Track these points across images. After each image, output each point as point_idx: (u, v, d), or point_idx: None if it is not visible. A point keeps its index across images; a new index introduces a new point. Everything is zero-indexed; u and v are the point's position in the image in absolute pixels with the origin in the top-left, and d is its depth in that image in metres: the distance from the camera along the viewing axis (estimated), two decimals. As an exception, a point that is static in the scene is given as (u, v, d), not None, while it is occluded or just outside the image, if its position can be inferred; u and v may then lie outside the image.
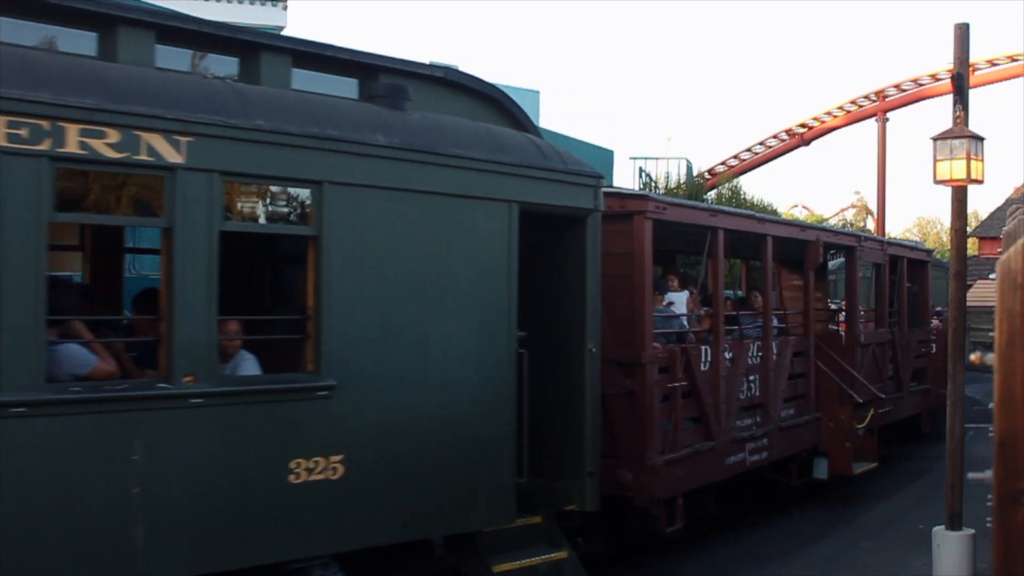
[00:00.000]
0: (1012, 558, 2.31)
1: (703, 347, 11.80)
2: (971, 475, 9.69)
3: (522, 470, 8.66)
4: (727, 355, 12.21)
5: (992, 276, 13.01)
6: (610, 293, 10.05)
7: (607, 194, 10.10)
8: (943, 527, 9.93)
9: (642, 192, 10.54)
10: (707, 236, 12.15)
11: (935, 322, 21.62)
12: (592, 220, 9.31)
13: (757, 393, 13.01)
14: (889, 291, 18.00)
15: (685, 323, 12.28)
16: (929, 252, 28.73)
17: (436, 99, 8.63)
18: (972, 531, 9.76)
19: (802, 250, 15.01)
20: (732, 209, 12.40)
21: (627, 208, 10.72)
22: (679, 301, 12.52)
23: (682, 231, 12.49)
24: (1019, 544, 2.29)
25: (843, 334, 16.38)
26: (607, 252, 9.88)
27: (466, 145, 8.21)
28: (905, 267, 18.79)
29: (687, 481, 11.20)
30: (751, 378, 12.88)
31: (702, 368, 11.61)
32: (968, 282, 13.80)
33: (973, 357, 24.35)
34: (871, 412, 15.45)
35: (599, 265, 9.43)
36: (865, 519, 14.11)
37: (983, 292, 27.87)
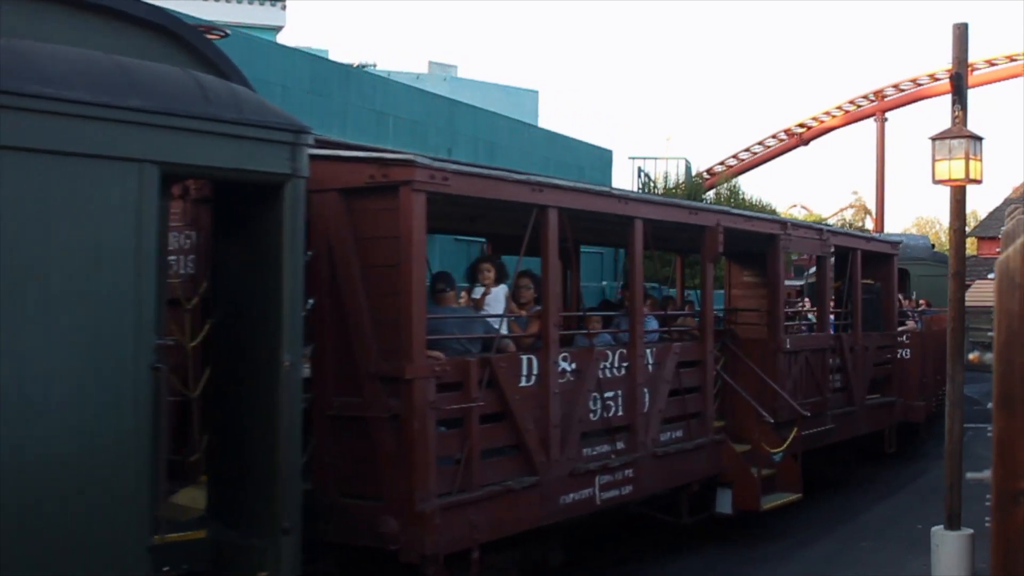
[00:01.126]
0: (1011, 558, 2.30)
1: (525, 357, 9.26)
2: (970, 475, 9.68)
3: (159, 526, 6.09)
4: (566, 366, 9.63)
5: (991, 276, 12.82)
6: (375, 289, 8.23)
7: (364, 159, 8.34)
8: (942, 527, 9.92)
9: (410, 157, 8.22)
10: (543, 218, 9.46)
11: (910, 324, 19.71)
12: (291, 190, 6.68)
13: (619, 413, 10.38)
14: (851, 290, 16.00)
15: (502, 326, 9.50)
16: (904, 244, 28.42)
17: (77, 30, 6.25)
18: (971, 531, 9.76)
19: (759, 243, 13.51)
20: (570, 183, 9.69)
21: (390, 178, 8.19)
22: (495, 298, 9.84)
23: (590, 217, 10.60)
24: (1018, 544, 2.28)
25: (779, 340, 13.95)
26: (370, 236, 8.25)
27: (68, 83, 5.68)
28: (860, 260, 16.32)
29: (488, 529, 8.72)
30: (609, 394, 10.26)
31: (522, 383, 9.13)
32: (967, 282, 13.80)
33: (972, 356, 24.34)
34: (793, 433, 13.07)
35: (301, 251, 6.83)
36: (864, 519, 14.11)
37: (982, 292, 27.92)
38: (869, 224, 54.33)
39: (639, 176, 31.34)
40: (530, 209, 9.32)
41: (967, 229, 13.02)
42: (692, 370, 11.74)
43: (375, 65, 37.77)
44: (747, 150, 41.53)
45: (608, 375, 10.27)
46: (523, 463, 9.16)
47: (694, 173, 33.57)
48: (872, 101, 40.09)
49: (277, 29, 36.62)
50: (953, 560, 9.73)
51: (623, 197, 11.03)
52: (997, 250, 20.20)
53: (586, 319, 11.44)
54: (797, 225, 15.13)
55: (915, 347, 18.70)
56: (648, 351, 10.99)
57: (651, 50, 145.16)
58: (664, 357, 11.20)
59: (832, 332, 15.45)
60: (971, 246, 44.40)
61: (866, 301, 16.71)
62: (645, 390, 10.80)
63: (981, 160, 10.13)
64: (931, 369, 19.44)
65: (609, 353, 10.39)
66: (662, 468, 11.01)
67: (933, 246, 30.29)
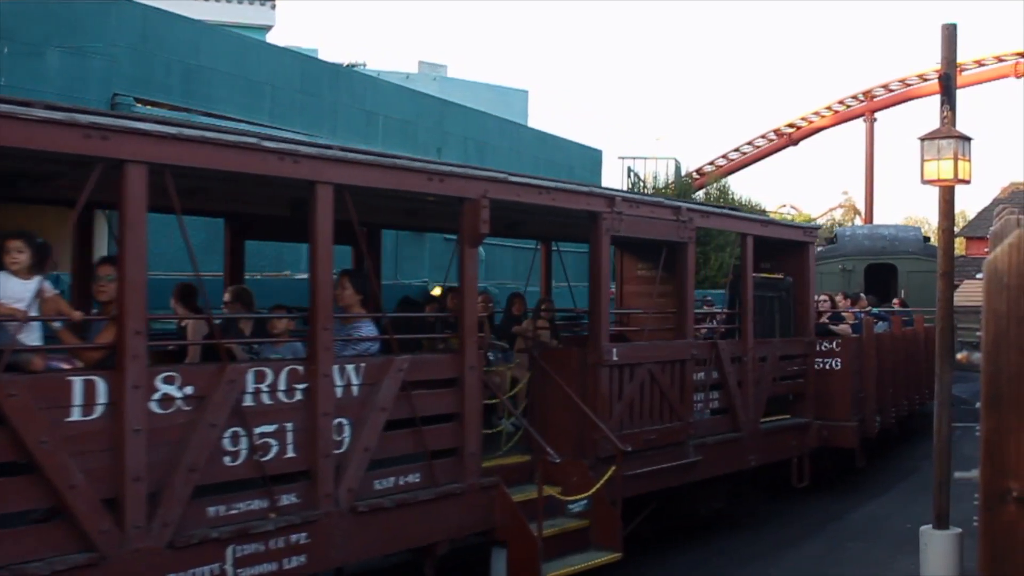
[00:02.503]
0: (998, 558, 2.31)
1: (80, 379, 6.34)
2: (958, 474, 9.72)
3: None
4: (172, 390, 6.77)
5: (979, 276, 12.82)
6: None
7: None
8: (930, 526, 9.95)
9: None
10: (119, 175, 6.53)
11: (843, 328, 16.74)
12: None
13: (287, 455, 7.53)
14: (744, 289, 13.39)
15: (29, 333, 6.55)
16: (891, 236, 26.46)
17: None
18: (959, 530, 9.78)
19: (577, 223, 11.10)
20: (172, 128, 6.69)
21: None
22: (22, 291, 6.65)
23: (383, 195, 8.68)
24: (1005, 544, 2.29)
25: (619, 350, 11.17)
26: None
27: None
28: (751, 248, 13.41)
29: None
30: (265, 429, 7.36)
31: (70, 418, 6.25)
32: (956, 282, 13.84)
33: (960, 356, 24.25)
34: (609, 473, 10.02)
35: None
36: (853, 518, 14.13)
37: (971, 292, 27.93)
38: (859, 223, 54.42)
39: (629, 176, 31.38)
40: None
41: (956, 229, 13.05)
42: (441, 392, 8.86)
43: (365, 65, 37.74)
44: (737, 150, 41.58)
45: (264, 402, 7.42)
46: (69, 535, 6.27)
47: (684, 173, 33.61)
48: (861, 101, 40.16)
49: (267, 28, 36.56)
50: (941, 559, 9.75)
51: (286, 153, 7.49)
52: (986, 250, 20.12)
53: (269, 323, 9.04)
54: (635, 200, 11.54)
55: (847, 356, 15.40)
56: (350, 368, 8.05)
57: (641, 50, 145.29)
58: (380, 376, 8.23)
59: (707, 339, 13.09)
60: (960, 246, 44.55)
61: (768, 300, 14.35)
62: (342, 422, 7.92)
63: (969, 160, 10.15)
64: (876, 382, 16.44)
65: (269, 372, 7.45)
66: (370, 527, 8.11)
67: (927, 239, 28.96)
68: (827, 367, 15.37)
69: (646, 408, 11.31)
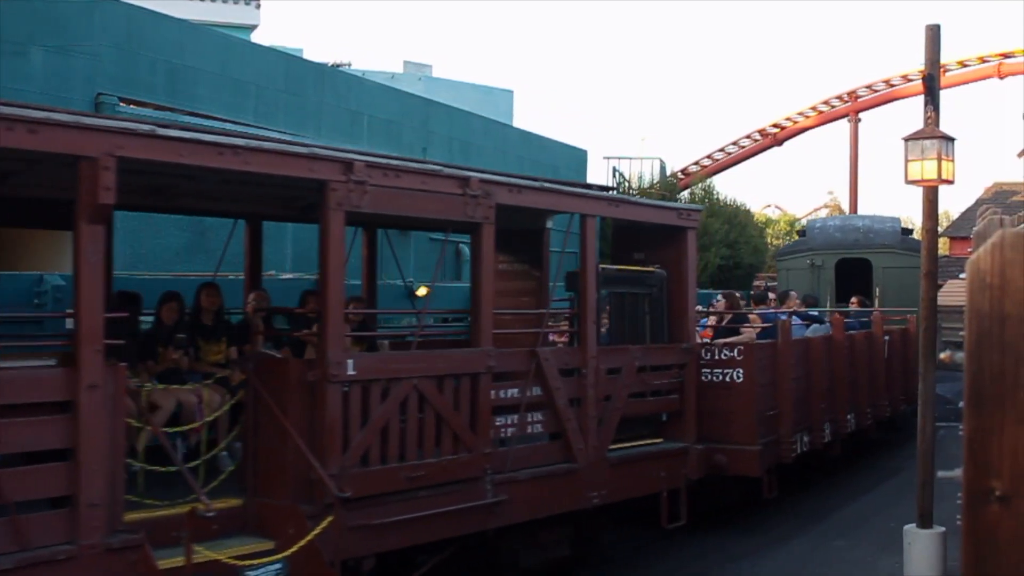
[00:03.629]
0: (981, 557, 2.32)
1: None
2: (941, 473, 9.75)
3: None
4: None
5: (962, 276, 12.74)
6: None
7: None
8: (914, 525, 9.98)
9: None
10: None
11: (746, 332, 14.54)
12: None
13: None
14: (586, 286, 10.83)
15: None
16: (864, 227, 23.97)
17: None
18: (943, 529, 9.82)
19: (431, 209, 9.12)
20: None
21: None
22: None
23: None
24: (988, 543, 2.31)
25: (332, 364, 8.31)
26: None
27: None
28: (591, 231, 10.97)
29: None
30: None
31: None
32: (939, 282, 13.88)
33: (943, 356, 24.10)
34: (322, 525, 7.72)
35: None
36: (837, 517, 14.17)
37: (954, 292, 27.99)
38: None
39: (614, 176, 31.40)
40: None
41: (939, 229, 13.11)
42: (41, 421, 6.64)
43: (350, 64, 37.70)
44: (721, 150, 41.64)
45: None
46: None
47: (668, 173, 33.65)
48: (846, 102, 40.28)
49: (251, 28, 36.50)
50: (925, 558, 9.79)
51: None
52: (969, 250, 20.13)
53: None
54: (393, 168, 8.67)
55: (751, 366, 12.72)
56: None
57: (626, 51, 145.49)
58: None
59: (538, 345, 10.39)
60: (943, 246, 44.70)
61: (632, 299, 12.00)
62: None
63: (953, 161, 10.19)
64: (800, 395, 14.01)
65: None
66: None
67: (910, 231, 25.55)
68: (723, 379, 12.70)
69: (411, 437, 8.83)
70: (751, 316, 15.47)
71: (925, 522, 9.92)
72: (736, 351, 12.83)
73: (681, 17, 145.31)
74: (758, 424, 12.70)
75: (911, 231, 25.47)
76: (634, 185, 30.81)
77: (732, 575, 11.57)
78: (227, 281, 13.52)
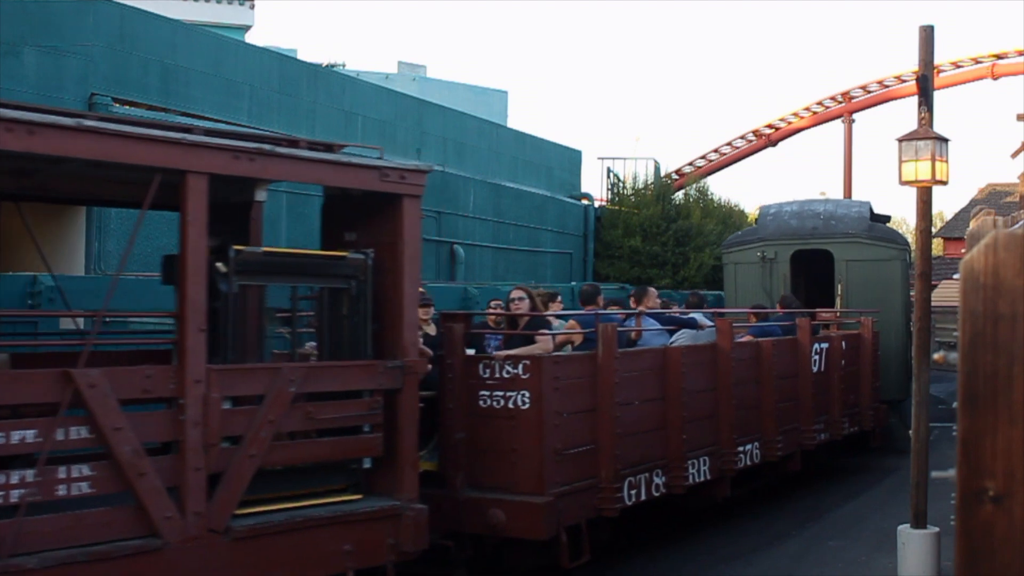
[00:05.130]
0: (975, 557, 2.32)
1: None
2: (935, 473, 9.75)
3: None
4: None
5: (956, 276, 12.69)
6: None
7: None
8: (908, 525, 10.00)
9: None
10: None
11: (541, 339, 10.49)
12: None
13: None
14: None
15: None
16: (824, 212, 19.84)
17: None
18: (937, 529, 9.83)
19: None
20: None
21: None
22: None
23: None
24: (982, 543, 2.31)
25: None
26: None
27: None
28: (197, 201, 7.22)
29: None
30: None
31: None
32: (933, 282, 13.89)
33: (937, 357, 23.85)
34: None
35: None
36: (832, 517, 14.18)
37: (948, 292, 28.00)
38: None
39: (608, 176, 31.41)
40: None
41: (933, 230, 13.14)
42: None
43: (344, 65, 37.71)
44: (716, 151, 41.64)
45: None
46: None
47: (663, 173, 33.66)
48: (840, 102, 40.29)
49: (245, 28, 36.48)
50: (919, 558, 9.79)
51: None
52: (962, 251, 19.97)
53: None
54: None
55: (543, 386, 9.62)
56: None
57: (620, 51, 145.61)
58: None
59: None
60: (937, 247, 44.77)
61: (325, 295, 8.58)
62: None
63: (947, 161, 10.20)
64: (628, 425, 10.67)
65: None
66: None
67: (885, 218, 21.94)
68: (504, 405, 9.72)
69: None
70: (561, 320, 11.76)
71: (919, 522, 9.93)
72: (521, 367, 9.67)
73: (676, 18, 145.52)
74: (552, 466, 9.65)
75: (886, 218, 21.82)
76: (628, 185, 30.81)
77: (726, 576, 11.58)
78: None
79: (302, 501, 7.98)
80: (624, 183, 31.07)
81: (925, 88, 10.39)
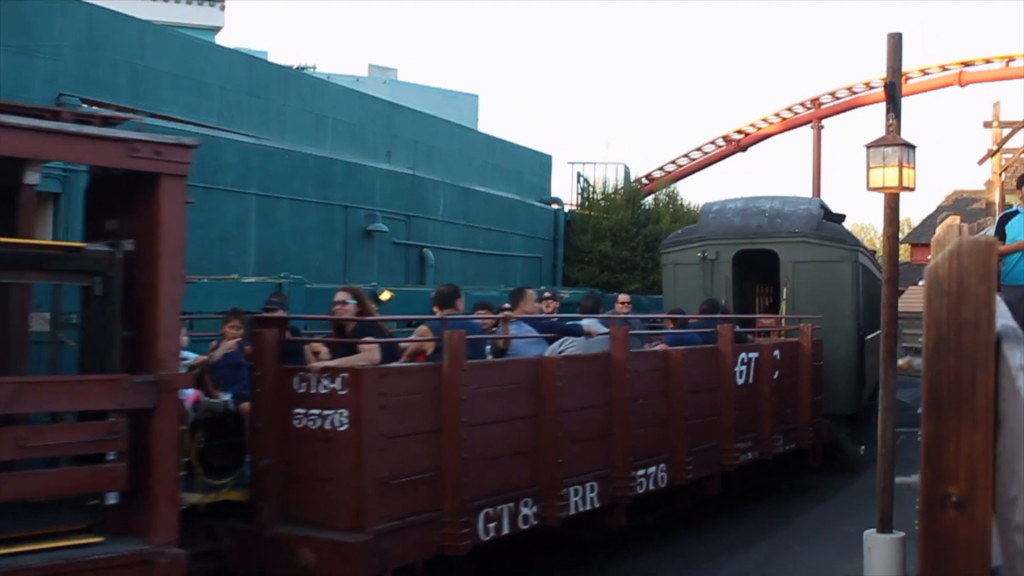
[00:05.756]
0: (937, 562, 2.34)
1: None
2: (898, 479, 9.82)
3: None
4: None
5: (922, 282, 12.76)
6: None
7: None
8: (874, 530, 10.05)
9: None
10: None
11: (365, 349, 8.73)
12: None
13: None
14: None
15: None
16: (769, 210, 18.09)
17: None
18: (902, 534, 9.88)
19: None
20: None
21: None
22: None
23: None
24: (945, 548, 2.32)
25: None
26: None
27: None
28: None
29: None
30: None
31: None
32: (900, 288, 13.97)
33: (902, 362, 23.74)
34: None
35: None
36: (799, 522, 14.23)
37: (915, 298, 28.14)
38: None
39: (578, 181, 31.47)
40: None
41: (901, 235, 13.22)
42: None
43: (315, 67, 37.59)
44: (686, 156, 41.76)
45: None
46: None
47: (633, 178, 33.76)
48: (809, 108, 40.50)
49: (216, 30, 36.35)
50: (885, 562, 9.85)
51: None
52: (928, 256, 20.00)
53: None
54: None
55: (362, 404, 8.05)
56: None
57: (592, 56, 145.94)
58: None
59: None
60: (905, 252, 45.09)
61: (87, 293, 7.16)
62: None
63: (914, 168, 10.28)
64: (482, 447, 9.07)
65: None
66: None
67: (840, 217, 20.38)
68: (321, 426, 8.20)
69: None
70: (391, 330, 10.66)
71: (885, 527, 9.98)
72: (339, 381, 8.13)
73: (646, 24, 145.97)
74: (375, 497, 8.09)
75: (841, 217, 20.36)
76: (599, 190, 30.88)
77: (694, 580, 11.60)
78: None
79: (29, 544, 6.46)
80: (594, 188, 31.16)
81: (893, 95, 10.46)
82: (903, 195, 10.52)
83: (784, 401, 15.09)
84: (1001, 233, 9.70)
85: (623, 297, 15.59)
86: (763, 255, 18.12)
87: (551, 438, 9.91)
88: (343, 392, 8.06)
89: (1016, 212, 9.90)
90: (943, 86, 38.66)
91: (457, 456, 8.72)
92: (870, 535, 10.05)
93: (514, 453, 9.62)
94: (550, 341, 11.31)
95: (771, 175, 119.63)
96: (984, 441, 2.28)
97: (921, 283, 23.45)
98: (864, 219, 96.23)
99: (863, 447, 17.25)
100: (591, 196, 30.89)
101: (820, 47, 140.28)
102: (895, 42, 10.49)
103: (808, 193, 41.23)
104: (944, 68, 38.54)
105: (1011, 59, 36.90)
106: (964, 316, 2.33)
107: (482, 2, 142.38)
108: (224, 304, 11.59)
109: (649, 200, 31.50)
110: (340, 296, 9.45)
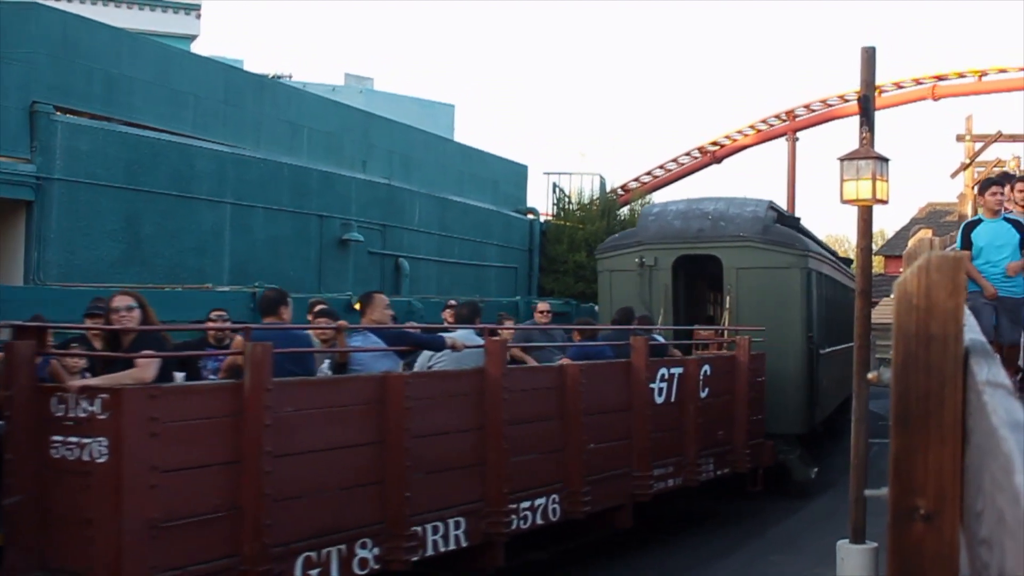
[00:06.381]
0: (906, 574, 2.35)
1: None
2: (868, 492, 9.86)
3: None
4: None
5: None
6: None
7: None
8: (847, 541, 10.09)
9: None
10: None
11: (143, 365, 7.11)
12: None
13: None
14: None
15: None
16: (710, 212, 16.85)
17: None
18: (875, 544, 9.92)
19: None
20: None
21: None
22: None
23: None
24: (912, 561, 2.34)
25: None
26: None
27: None
28: None
29: None
30: None
31: None
32: (874, 300, 14.03)
33: (871, 376, 23.70)
34: None
35: None
36: (773, 533, 14.24)
37: (888, 310, 28.29)
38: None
39: (554, 191, 31.49)
40: None
41: (874, 247, 13.30)
42: None
43: (290, 76, 37.53)
44: (661, 167, 41.85)
45: None
46: None
47: (608, 189, 33.80)
48: (784, 121, 40.67)
49: (191, 38, 36.22)
50: (858, 573, 9.89)
51: None
52: (901, 269, 20.09)
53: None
54: None
55: (123, 431, 6.62)
56: None
57: (567, 67, 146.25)
58: None
59: None
60: (878, 264, 45.31)
61: None
62: None
63: (887, 181, 10.34)
64: (256, 482, 7.31)
65: None
66: None
67: (794, 218, 19.37)
68: (79, 457, 6.74)
69: None
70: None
71: (858, 537, 10.02)
72: (99, 403, 6.68)
73: (622, 35, 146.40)
74: (144, 543, 6.67)
75: (795, 220, 19.09)
76: (574, 201, 30.90)
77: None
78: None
79: None
80: (570, 198, 31.16)
81: (867, 108, 10.53)
82: (877, 207, 10.58)
83: (715, 421, 13.68)
84: (967, 243, 9.76)
85: (543, 306, 14.62)
86: (711, 261, 16.86)
87: (397, 468, 8.45)
88: (102, 416, 6.62)
89: (980, 220, 9.97)
90: (917, 100, 38.90)
91: (258, 491, 7.26)
92: (843, 545, 10.09)
93: (348, 486, 8.22)
94: (405, 355, 9.81)
95: (746, 187, 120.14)
96: (952, 455, 2.30)
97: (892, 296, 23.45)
98: (839, 231, 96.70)
99: (815, 469, 16.77)
100: (566, 206, 30.90)
101: (795, 59, 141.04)
102: (868, 56, 10.56)
103: (784, 205, 41.43)
104: (918, 82, 38.78)
105: (984, 73, 37.17)
106: (932, 331, 2.35)
107: (458, 12, 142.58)
108: (200, 313, 11.50)
109: (625, 211, 31.52)
110: (120, 301, 7.71)
